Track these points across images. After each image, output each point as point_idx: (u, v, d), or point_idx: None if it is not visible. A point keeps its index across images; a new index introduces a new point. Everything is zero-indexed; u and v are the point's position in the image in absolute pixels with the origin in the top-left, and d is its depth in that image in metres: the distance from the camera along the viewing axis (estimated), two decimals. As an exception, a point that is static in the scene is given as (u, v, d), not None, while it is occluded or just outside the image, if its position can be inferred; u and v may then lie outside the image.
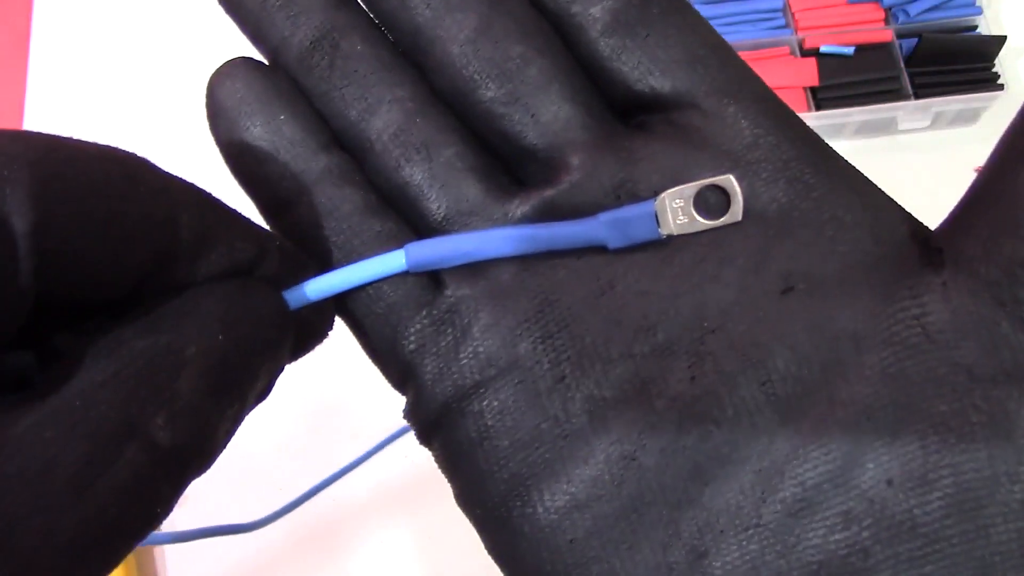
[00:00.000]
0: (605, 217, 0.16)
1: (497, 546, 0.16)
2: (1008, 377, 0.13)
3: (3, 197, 0.11)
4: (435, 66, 0.17)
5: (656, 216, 0.16)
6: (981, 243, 0.14)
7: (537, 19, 0.17)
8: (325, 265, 0.16)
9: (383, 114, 0.17)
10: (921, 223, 0.16)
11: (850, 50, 0.55)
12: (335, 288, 0.16)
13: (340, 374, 0.49)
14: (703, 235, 0.16)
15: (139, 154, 0.14)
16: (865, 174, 0.16)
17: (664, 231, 0.16)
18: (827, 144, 0.17)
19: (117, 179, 0.13)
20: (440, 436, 0.16)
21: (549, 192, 0.16)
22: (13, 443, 0.11)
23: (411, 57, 0.17)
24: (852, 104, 0.53)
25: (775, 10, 0.56)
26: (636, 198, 0.16)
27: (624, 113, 0.17)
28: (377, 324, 0.17)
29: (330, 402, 0.48)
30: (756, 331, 0.15)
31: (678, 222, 0.16)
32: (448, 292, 0.16)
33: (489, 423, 0.16)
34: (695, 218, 0.16)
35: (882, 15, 0.56)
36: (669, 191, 0.16)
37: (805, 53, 0.55)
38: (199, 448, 0.13)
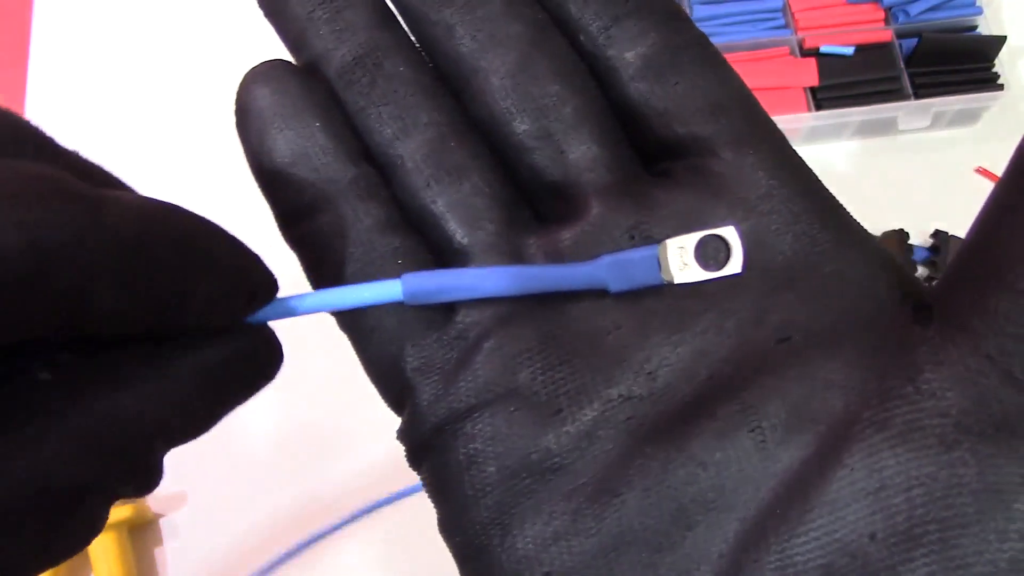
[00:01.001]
0: (608, 260, 0.16)
1: None
2: (997, 431, 0.13)
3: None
4: (473, 95, 0.17)
5: (659, 262, 0.16)
6: (968, 297, 0.14)
7: (575, 60, 0.17)
8: (336, 277, 0.17)
9: (417, 135, 0.17)
10: (917, 281, 0.16)
11: (850, 50, 0.55)
12: (328, 306, 0.16)
13: (338, 373, 0.48)
14: (709, 284, 0.16)
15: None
16: (863, 228, 0.17)
17: (665, 277, 0.16)
18: (836, 199, 0.17)
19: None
20: (430, 459, 0.16)
21: (567, 231, 0.17)
22: None
23: (449, 83, 0.18)
24: (852, 104, 0.53)
25: (775, 10, 0.56)
26: (651, 240, 0.16)
27: (650, 157, 0.17)
28: (384, 339, 0.17)
29: (329, 400, 0.48)
30: (751, 380, 0.15)
31: (680, 270, 0.16)
32: (458, 318, 0.16)
33: (479, 447, 0.16)
34: (696, 267, 0.16)
35: (882, 15, 0.56)
36: (672, 239, 0.16)
37: (805, 53, 0.55)
38: (151, 487, 0.14)
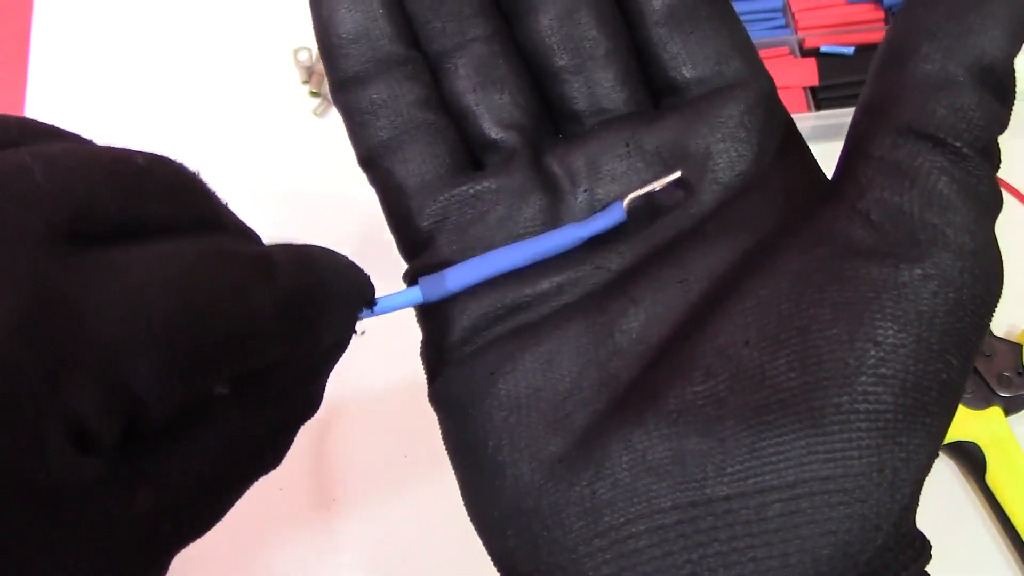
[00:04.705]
0: (586, 226, 0.19)
1: (440, 389, 0.19)
2: (855, 257, 0.16)
3: (144, 382, 0.12)
4: (524, 27, 0.21)
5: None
6: (842, 170, 0.18)
7: (612, 8, 0.21)
8: (374, 142, 0.20)
9: (472, 50, 0.21)
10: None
11: (850, 50, 0.55)
12: (372, 314, 0.18)
13: (339, 372, 0.48)
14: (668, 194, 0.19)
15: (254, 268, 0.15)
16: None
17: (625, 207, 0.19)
18: (795, 132, 0.20)
19: (230, 314, 0.14)
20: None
21: (579, 144, 0.20)
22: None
23: (504, 11, 0.21)
24: (852, 104, 0.53)
25: (775, 10, 0.56)
26: (641, 149, 0.20)
27: (659, 93, 0.21)
28: (407, 195, 0.20)
29: (329, 400, 0.48)
30: (692, 251, 0.19)
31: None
32: (472, 186, 0.20)
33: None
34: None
35: (882, 15, 0.56)
36: (631, 195, 0.19)
37: (805, 53, 0.55)
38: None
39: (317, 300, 0.16)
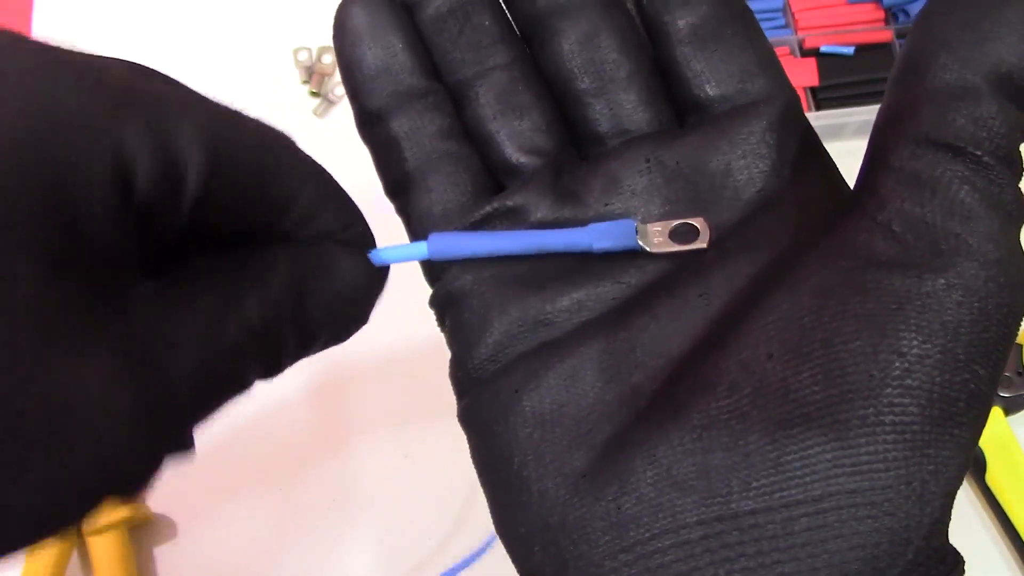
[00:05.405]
0: (593, 225, 0.19)
1: (468, 408, 0.19)
2: (876, 269, 0.16)
3: (187, 142, 0.14)
4: (545, 52, 0.21)
5: (637, 231, 0.19)
6: (862, 181, 0.17)
7: (634, 29, 0.21)
8: (399, 172, 0.21)
9: (492, 78, 0.21)
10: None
11: (850, 50, 0.55)
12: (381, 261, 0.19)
13: (339, 372, 0.48)
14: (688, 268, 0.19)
15: (284, 132, 0.17)
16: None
17: (641, 242, 0.19)
18: (820, 148, 0.20)
19: (264, 146, 0.16)
20: (452, 309, 0.20)
21: (599, 165, 0.20)
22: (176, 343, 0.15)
23: (526, 36, 0.22)
24: (852, 104, 0.53)
25: (775, 10, 0.56)
26: (662, 166, 0.20)
27: (683, 111, 0.21)
28: (431, 225, 0.20)
29: (330, 400, 0.48)
30: (713, 267, 0.19)
31: (654, 245, 0.19)
32: (490, 207, 0.20)
33: (491, 299, 0.19)
34: (670, 244, 0.19)
35: (882, 15, 0.56)
36: (652, 224, 0.19)
37: (805, 53, 0.55)
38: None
39: (326, 184, 0.17)
